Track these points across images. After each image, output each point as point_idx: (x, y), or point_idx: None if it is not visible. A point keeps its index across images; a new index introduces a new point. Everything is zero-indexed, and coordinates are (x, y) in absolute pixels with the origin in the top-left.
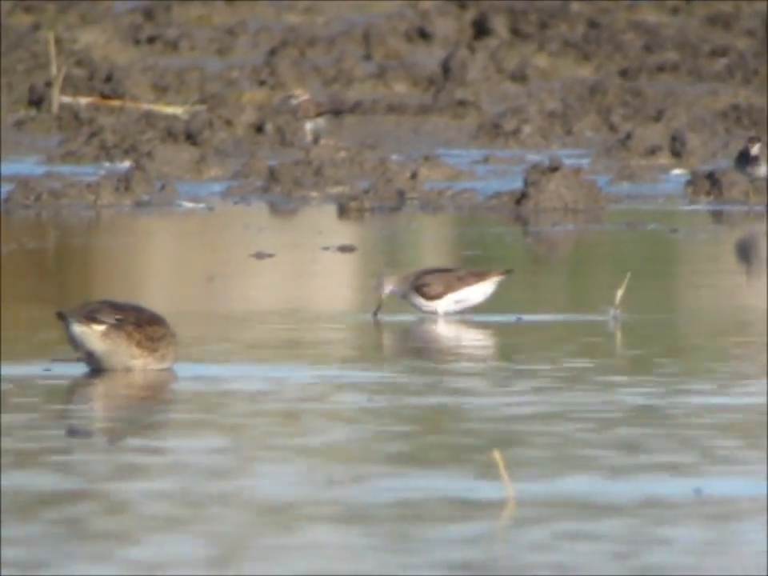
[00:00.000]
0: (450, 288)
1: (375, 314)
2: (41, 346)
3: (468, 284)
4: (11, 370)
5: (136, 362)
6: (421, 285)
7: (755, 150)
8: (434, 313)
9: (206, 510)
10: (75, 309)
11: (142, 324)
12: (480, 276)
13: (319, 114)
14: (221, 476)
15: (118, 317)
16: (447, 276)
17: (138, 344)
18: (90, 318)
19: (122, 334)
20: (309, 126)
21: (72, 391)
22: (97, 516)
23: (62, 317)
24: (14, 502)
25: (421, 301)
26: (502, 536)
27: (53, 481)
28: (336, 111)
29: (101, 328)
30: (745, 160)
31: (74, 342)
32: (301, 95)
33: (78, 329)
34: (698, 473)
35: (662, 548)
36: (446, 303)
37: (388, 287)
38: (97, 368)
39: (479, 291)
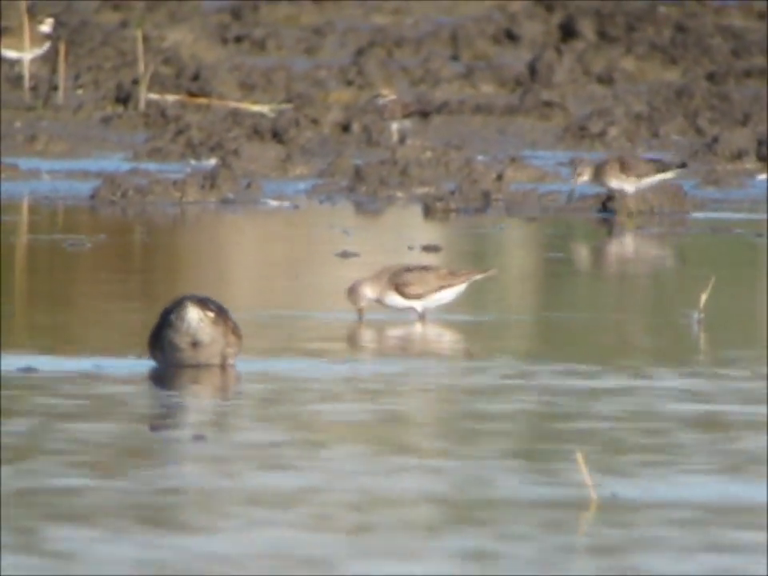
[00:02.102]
0: (431, 288)
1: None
2: (123, 341)
3: (450, 284)
4: (104, 363)
5: (230, 350)
6: (400, 284)
7: None
8: (413, 311)
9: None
10: (185, 295)
11: (228, 313)
12: (460, 276)
13: (406, 116)
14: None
15: (214, 306)
16: (428, 275)
17: (233, 332)
18: (203, 304)
19: (223, 320)
20: (395, 126)
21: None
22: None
23: (179, 301)
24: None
25: (398, 300)
26: None
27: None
28: (423, 113)
29: (212, 314)
30: None
31: (183, 329)
32: (388, 95)
33: (197, 314)
34: None
35: None
36: (426, 302)
37: (365, 296)
38: (186, 362)
39: (456, 292)
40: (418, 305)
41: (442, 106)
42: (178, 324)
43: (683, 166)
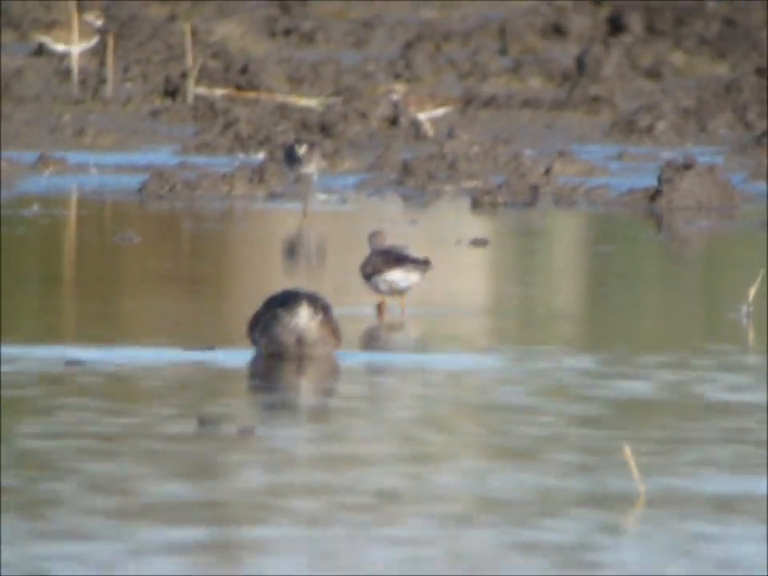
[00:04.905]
0: (376, 269)
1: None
2: (174, 332)
3: (390, 268)
4: (150, 354)
5: (332, 350)
6: (362, 263)
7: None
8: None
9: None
10: (299, 291)
11: (332, 314)
12: (403, 262)
13: (437, 107)
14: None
15: (320, 305)
16: (383, 257)
17: (334, 333)
18: (315, 304)
19: (327, 323)
20: (424, 117)
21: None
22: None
23: (292, 296)
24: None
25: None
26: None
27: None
28: (453, 103)
29: (320, 317)
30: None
31: (290, 327)
32: (400, 90)
33: (308, 313)
34: None
35: None
36: (375, 283)
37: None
38: (287, 356)
39: (400, 277)
40: (371, 285)
41: (490, 99)
42: (287, 319)
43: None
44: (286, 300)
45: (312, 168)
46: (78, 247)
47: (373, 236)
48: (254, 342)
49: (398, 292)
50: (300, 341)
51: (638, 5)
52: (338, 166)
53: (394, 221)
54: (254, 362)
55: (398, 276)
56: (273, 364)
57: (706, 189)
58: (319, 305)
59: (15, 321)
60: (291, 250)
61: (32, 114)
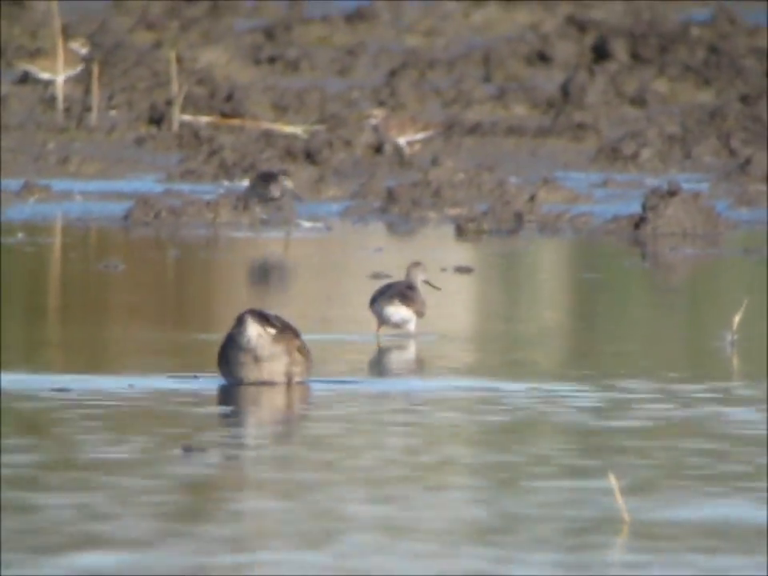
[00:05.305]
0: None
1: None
2: (156, 361)
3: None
4: (137, 381)
5: (296, 369)
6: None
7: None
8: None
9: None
10: (247, 311)
11: (295, 333)
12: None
13: (417, 131)
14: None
15: (278, 323)
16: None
17: (299, 350)
18: (264, 320)
19: (286, 339)
20: (404, 141)
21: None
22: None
23: (240, 317)
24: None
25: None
26: None
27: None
28: (433, 128)
29: (273, 331)
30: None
31: (243, 345)
32: (379, 114)
33: (255, 330)
34: None
35: None
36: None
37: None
38: (250, 378)
39: (392, 311)
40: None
41: (474, 127)
42: (239, 339)
43: None
44: (236, 322)
45: (277, 193)
46: (62, 275)
47: (410, 267)
48: (221, 371)
49: (394, 325)
50: (256, 358)
51: (623, 32)
52: (323, 193)
53: (377, 248)
54: (223, 391)
55: (390, 311)
56: (239, 391)
57: (690, 216)
58: (271, 321)
59: None
60: (269, 277)
61: (17, 142)
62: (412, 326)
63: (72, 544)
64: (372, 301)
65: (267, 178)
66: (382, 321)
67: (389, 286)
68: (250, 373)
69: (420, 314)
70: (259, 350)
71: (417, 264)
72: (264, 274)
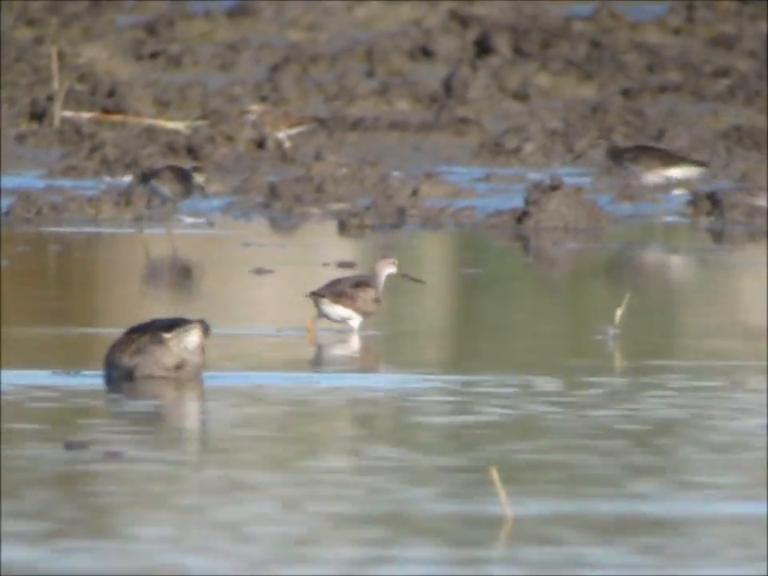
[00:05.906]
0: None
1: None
2: (40, 357)
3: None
4: (17, 379)
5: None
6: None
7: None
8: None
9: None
10: (183, 317)
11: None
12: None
13: (292, 126)
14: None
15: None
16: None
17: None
18: (207, 329)
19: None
20: (281, 136)
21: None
22: None
23: (178, 322)
24: None
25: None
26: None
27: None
28: (308, 122)
29: (204, 340)
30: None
31: (175, 351)
32: (257, 110)
33: (199, 338)
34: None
35: None
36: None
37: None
38: (160, 378)
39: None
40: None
41: (357, 122)
42: (172, 344)
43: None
44: (173, 325)
45: (167, 191)
46: None
47: (378, 261)
48: (117, 366)
49: (334, 321)
50: (181, 365)
51: (506, 27)
52: (205, 188)
53: (262, 244)
54: (118, 385)
55: (323, 304)
56: (141, 386)
57: (572, 210)
58: (207, 330)
59: None
60: (155, 274)
61: None
62: (354, 323)
63: None
64: (312, 292)
65: (153, 175)
66: (321, 314)
67: (339, 280)
68: (166, 372)
69: (362, 312)
70: (193, 357)
71: (385, 258)
72: (161, 273)
